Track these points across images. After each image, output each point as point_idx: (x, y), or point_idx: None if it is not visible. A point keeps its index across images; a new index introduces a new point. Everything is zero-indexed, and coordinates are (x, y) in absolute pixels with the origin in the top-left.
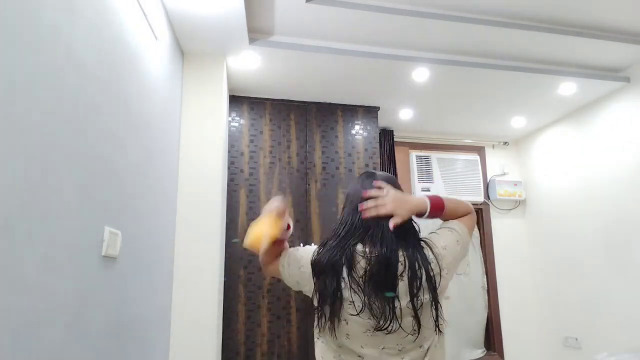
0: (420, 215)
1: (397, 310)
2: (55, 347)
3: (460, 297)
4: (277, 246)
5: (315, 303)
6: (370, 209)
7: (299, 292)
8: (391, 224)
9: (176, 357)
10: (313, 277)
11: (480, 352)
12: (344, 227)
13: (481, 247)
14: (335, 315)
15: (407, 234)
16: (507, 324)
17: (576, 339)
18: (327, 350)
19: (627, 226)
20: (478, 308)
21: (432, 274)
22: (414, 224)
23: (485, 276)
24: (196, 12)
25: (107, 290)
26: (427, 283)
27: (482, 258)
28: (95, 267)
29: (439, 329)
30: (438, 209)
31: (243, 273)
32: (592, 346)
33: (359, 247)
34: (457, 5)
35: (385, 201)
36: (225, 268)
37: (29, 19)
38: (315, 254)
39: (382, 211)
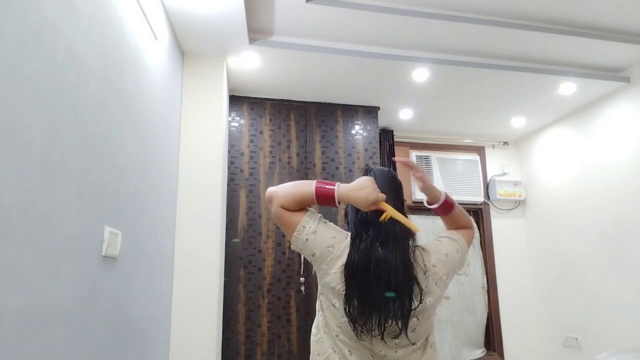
0: (432, 202)
1: (405, 310)
2: (55, 347)
3: (460, 297)
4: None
5: (337, 303)
6: (407, 161)
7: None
8: (418, 185)
9: (176, 357)
10: (344, 279)
11: (480, 352)
12: (363, 228)
13: (481, 247)
14: (361, 315)
15: (408, 237)
16: (507, 324)
17: (576, 339)
18: (328, 339)
19: (627, 226)
20: (478, 308)
21: (435, 277)
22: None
23: (485, 276)
24: (196, 12)
25: (107, 290)
26: (431, 286)
27: (482, 258)
28: (95, 267)
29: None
30: (448, 206)
31: (243, 273)
32: (592, 346)
33: (379, 248)
34: (457, 5)
35: (420, 168)
36: (225, 268)
37: (28, 18)
38: (349, 257)
39: (416, 170)
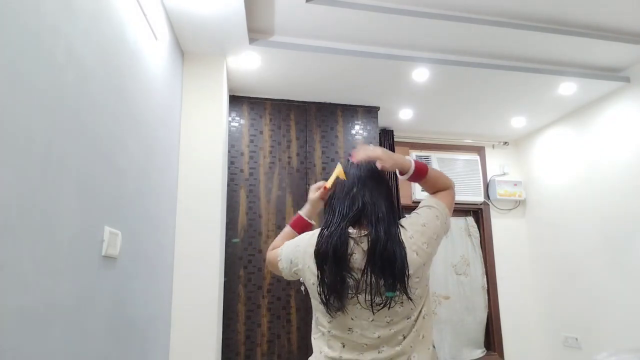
0: (402, 173)
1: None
2: (55, 347)
3: (460, 297)
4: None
5: (319, 289)
6: (359, 153)
7: (295, 285)
8: (379, 165)
9: (176, 357)
10: (317, 268)
11: (480, 352)
12: (340, 212)
13: (481, 247)
14: (338, 298)
15: (395, 213)
16: (507, 324)
17: (576, 339)
18: (319, 340)
19: (627, 226)
20: (478, 308)
21: (414, 247)
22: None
23: (485, 276)
24: (196, 12)
25: (107, 290)
26: (411, 257)
27: (482, 258)
28: (95, 267)
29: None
30: (421, 172)
31: (243, 273)
32: (592, 346)
33: (353, 229)
34: (457, 5)
35: (375, 149)
36: (225, 268)
37: (28, 18)
38: (316, 242)
39: (372, 154)
